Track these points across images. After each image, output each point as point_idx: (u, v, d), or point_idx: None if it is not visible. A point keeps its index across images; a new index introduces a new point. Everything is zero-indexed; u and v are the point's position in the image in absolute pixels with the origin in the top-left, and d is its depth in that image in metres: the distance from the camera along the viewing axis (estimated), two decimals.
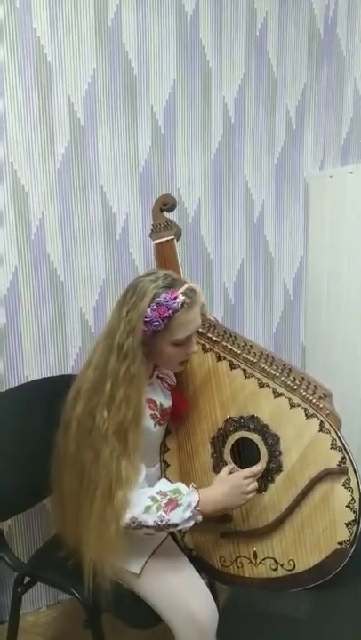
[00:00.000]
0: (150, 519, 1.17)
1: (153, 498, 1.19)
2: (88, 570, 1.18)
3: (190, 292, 1.23)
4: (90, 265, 1.78)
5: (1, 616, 1.79)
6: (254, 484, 1.27)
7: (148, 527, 1.18)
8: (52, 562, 1.37)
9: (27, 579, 1.46)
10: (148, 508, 1.18)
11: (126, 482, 1.17)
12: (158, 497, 1.19)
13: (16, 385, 1.67)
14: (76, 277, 1.77)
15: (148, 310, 1.19)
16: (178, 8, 1.79)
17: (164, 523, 1.17)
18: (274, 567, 1.32)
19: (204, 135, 1.89)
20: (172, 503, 1.18)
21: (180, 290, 1.21)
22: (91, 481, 1.18)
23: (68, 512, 1.26)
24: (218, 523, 1.34)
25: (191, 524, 1.19)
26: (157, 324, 1.19)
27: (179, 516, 1.18)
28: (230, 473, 1.29)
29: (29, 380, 1.73)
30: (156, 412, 1.32)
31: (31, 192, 1.67)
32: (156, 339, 1.23)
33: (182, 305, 1.20)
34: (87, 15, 1.67)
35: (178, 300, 1.19)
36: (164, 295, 1.20)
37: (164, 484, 1.24)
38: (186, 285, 1.24)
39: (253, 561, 1.34)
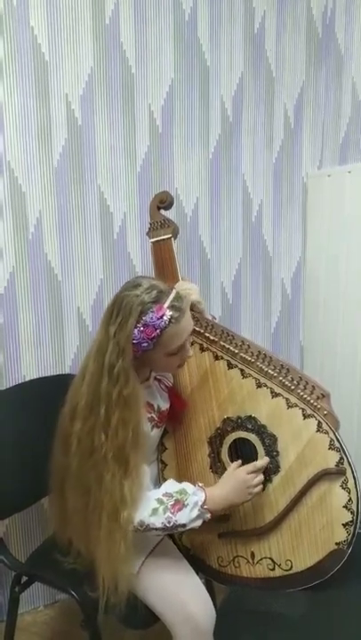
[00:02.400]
0: (158, 521, 1.18)
1: (159, 500, 1.19)
2: (103, 588, 1.17)
3: (177, 303, 1.18)
4: (87, 264, 1.78)
5: None
6: (260, 477, 1.26)
7: (156, 529, 1.18)
8: (50, 561, 1.36)
9: (24, 578, 1.46)
10: (155, 511, 1.18)
11: (131, 502, 1.16)
12: (164, 499, 1.20)
13: (13, 384, 1.66)
14: (73, 276, 1.76)
15: (136, 331, 1.15)
16: (175, 6, 1.78)
17: (171, 524, 1.17)
18: (271, 567, 1.32)
19: (201, 134, 1.88)
20: (179, 504, 1.19)
21: (167, 303, 1.17)
22: (96, 503, 1.17)
23: (74, 525, 1.24)
24: (216, 522, 1.34)
25: (200, 522, 1.20)
26: (146, 344, 1.16)
27: (186, 515, 1.18)
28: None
29: (26, 379, 1.73)
30: (153, 414, 1.31)
31: (28, 191, 1.66)
32: (149, 353, 1.20)
33: (170, 321, 1.16)
34: (85, 13, 1.67)
35: (165, 317, 1.15)
36: (150, 315, 1.15)
37: (170, 485, 1.24)
38: (172, 295, 1.19)
39: (251, 561, 1.34)
